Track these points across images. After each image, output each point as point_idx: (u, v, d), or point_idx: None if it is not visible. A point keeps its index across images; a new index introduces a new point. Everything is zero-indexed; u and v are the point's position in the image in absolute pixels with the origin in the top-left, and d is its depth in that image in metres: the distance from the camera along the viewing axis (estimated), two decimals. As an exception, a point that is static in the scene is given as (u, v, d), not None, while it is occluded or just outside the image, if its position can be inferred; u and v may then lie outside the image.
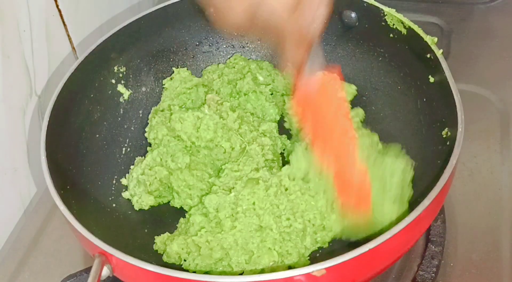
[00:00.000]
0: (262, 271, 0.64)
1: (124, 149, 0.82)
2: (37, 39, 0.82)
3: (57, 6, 0.85)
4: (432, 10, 1.05)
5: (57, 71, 0.87)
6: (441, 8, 1.06)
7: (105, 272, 0.56)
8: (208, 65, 0.90)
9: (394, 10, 0.75)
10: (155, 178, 0.75)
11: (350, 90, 0.82)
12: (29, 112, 0.82)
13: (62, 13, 0.86)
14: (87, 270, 0.64)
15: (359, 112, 0.79)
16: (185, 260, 0.67)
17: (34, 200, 0.85)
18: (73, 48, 0.91)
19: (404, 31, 0.74)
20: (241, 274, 0.64)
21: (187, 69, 0.86)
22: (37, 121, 0.84)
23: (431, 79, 0.70)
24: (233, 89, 0.85)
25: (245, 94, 0.84)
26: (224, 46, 0.90)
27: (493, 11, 1.04)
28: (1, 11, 0.73)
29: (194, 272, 0.65)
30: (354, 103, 0.82)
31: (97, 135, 0.78)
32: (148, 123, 0.83)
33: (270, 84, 0.85)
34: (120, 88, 0.83)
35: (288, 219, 0.65)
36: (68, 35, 0.89)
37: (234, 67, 0.87)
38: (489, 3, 1.06)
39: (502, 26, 1.02)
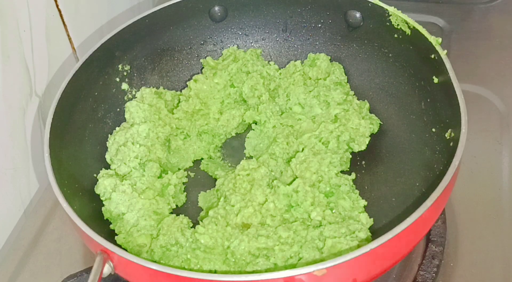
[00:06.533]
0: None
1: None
2: (37, 39, 0.82)
3: (57, 6, 0.85)
4: (432, 10, 1.05)
5: (57, 71, 0.87)
6: (441, 8, 1.06)
7: (107, 269, 0.56)
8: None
9: (400, 11, 0.75)
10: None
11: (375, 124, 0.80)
12: (29, 112, 0.82)
13: (62, 13, 0.86)
14: (88, 270, 0.65)
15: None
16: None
17: (34, 199, 0.84)
18: (73, 48, 0.91)
19: (408, 31, 0.74)
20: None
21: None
22: (38, 121, 0.84)
23: (435, 80, 0.70)
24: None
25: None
26: (229, 45, 0.90)
27: (493, 11, 1.04)
28: (1, 11, 0.73)
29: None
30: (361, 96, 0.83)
31: (101, 133, 0.78)
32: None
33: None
34: (125, 86, 0.83)
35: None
36: (68, 35, 0.89)
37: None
38: (489, 3, 1.06)
39: (502, 26, 1.02)
